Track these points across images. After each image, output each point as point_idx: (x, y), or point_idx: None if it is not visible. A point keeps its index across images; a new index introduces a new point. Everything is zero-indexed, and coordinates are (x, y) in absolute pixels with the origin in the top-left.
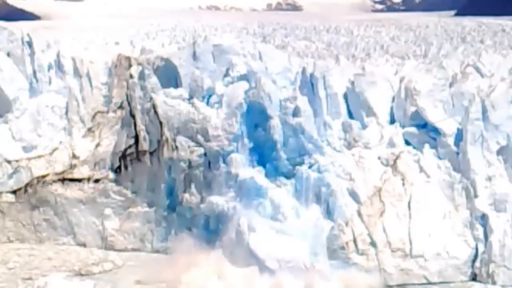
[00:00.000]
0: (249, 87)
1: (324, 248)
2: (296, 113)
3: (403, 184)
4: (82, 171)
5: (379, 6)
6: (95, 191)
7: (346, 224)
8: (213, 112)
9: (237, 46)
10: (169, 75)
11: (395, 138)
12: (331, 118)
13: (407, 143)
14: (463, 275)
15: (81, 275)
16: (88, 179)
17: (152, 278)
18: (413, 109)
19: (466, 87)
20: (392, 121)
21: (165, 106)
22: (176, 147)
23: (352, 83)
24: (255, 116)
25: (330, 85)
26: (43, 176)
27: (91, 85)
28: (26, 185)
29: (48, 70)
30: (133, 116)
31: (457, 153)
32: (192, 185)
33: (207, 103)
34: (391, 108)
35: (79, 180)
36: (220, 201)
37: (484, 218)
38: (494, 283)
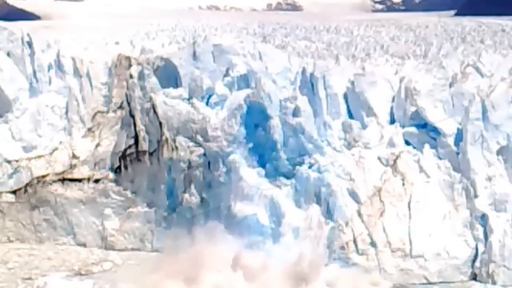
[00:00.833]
0: (249, 91)
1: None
2: (296, 113)
3: (403, 184)
4: (82, 171)
5: (379, 6)
6: (95, 191)
7: (346, 224)
8: (213, 112)
9: (237, 46)
10: (169, 75)
11: (395, 138)
12: (331, 118)
13: (407, 143)
14: (463, 275)
15: (81, 274)
16: (88, 179)
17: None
18: (413, 109)
19: (466, 87)
20: (392, 121)
21: (164, 106)
22: (176, 147)
23: (352, 83)
24: (255, 116)
25: (330, 85)
26: (43, 176)
27: (91, 85)
28: (26, 185)
29: (48, 70)
30: (132, 116)
31: (457, 153)
32: (192, 185)
33: (207, 103)
34: (391, 108)
35: (79, 180)
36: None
37: (484, 218)
38: (494, 283)
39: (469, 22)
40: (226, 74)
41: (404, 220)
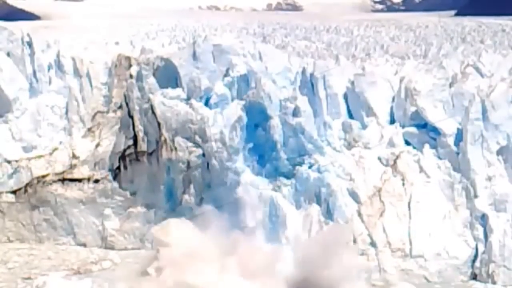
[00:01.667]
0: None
1: None
2: (296, 113)
3: (403, 184)
4: (82, 171)
5: (379, 6)
6: (95, 191)
7: (346, 224)
8: (211, 113)
9: (237, 46)
10: (169, 75)
11: (395, 138)
12: (331, 118)
13: (407, 143)
14: (463, 275)
15: (80, 273)
16: (88, 179)
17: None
18: (413, 109)
19: (466, 87)
20: (392, 121)
21: (163, 106)
22: (175, 147)
23: (352, 83)
24: (255, 116)
25: (330, 85)
26: (43, 176)
27: (91, 85)
28: (26, 185)
29: (48, 70)
30: (131, 117)
31: (457, 153)
32: (191, 186)
33: (206, 103)
34: (391, 108)
35: (79, 180)
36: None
37: (484, 218)
38: (494, 283)
39: (469, 22)
40: (226, 74)
41: (404, 220)
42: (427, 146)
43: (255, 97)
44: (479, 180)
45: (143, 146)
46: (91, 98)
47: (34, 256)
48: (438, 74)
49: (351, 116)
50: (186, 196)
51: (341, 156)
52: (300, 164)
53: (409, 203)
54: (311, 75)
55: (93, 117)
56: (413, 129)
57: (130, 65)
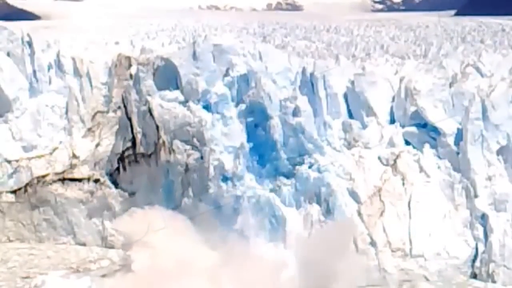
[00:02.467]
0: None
1: None
2: (296, 113)
3: (403, 184)
4: (82, 171)
5: (379, 6)
6: (94, 195)
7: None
8: (209, 116)
9: (237, 46)
10: (169, 75)
11: (395, 138)
12: (331, 118)
13: (407, 143)
14: (463, 275)
15: (79, 272)
16: (88, 179)
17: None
18: (413, 109)
19: (466, 87)
20: (392, 121)
21: (160, 109)
22: (173, 150)
23: (352, 83)
24: (255, 116)
25: (330, 85)
26: (43, 176)
27: (91, 85)
28: (26, 185)
29: (48, 70)
30: (129, 119)
31: (457, 153)
32: (190, 189)
33: (203, 105)
34: (391, 108)
35: (79, 180)
36: None
37: (484, 218)
38: (494, 282)
39: (469, 22)
40: (226, 74)
41: (404, 220)
42: (427, 146)
43: (255, 97)
44: (479, 180)
45: (141, 148)
46: (91, 98)
47: (34, 255)
48: (438, 74)
49: (351, 116)
50: (185, 199)
51: (341, 156)
52: (300, 164)
53: (409, 203)
54: (311, 75)
55: (93, 117)
56: (413, 129)
57: (130, 65)
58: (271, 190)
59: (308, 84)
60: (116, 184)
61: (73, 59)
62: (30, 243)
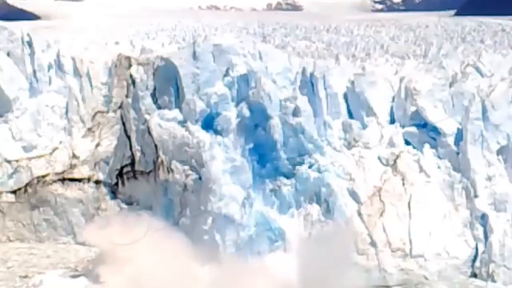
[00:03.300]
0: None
1: None
2: (296, 113)
3: (403, 184)
4: (82, 171)
5: (379, 6)
6: (95, 191)
7: (346, 223)
8: (208, 137)
9: (237, 46)
10: (169, 75)
11: (395, 138)
12: (331, 118)
13: (407, 143)
14: (463, 275)
15: (77, 271)
16: (88, 179)
17: None
18: (413, 109)
19: (466, 87)
20: (392, 121)
21: (159, 129)
22: (172, 170)
23: (352, 83)
24: (255, 116)
25: (330, 85)
26: (43, 176)
27: (91, 85)
28: (26, 185)
29: (48, 70)
30: (128, 137)
31: (457, 153)
32: (187, 209)
33: (202, 126)
34: (391, 108)
35: (79, 180)
36: None
37: (484, 218)
38: (494, 282)
39: (469, 22)
40: (226, 74)
41: (404, 220)
42: (427, 146)
43: (255, 97)
44: (479, 180)
45: (140, 166)
46: (91, 98)
47: (34, 255)
48: (438, 74)
49: (351, 116)
50: (183, 219)
51: (341, 156)
52: (300, 164)
53: (409, 203)
54: (311, 75)
55: (93, 117)
56: (413, 129)
57: (130, 65)
58: (271, 190)
59: (308, 84)
60: (115, 197)
61: (73, 59)
62: (30, 243)
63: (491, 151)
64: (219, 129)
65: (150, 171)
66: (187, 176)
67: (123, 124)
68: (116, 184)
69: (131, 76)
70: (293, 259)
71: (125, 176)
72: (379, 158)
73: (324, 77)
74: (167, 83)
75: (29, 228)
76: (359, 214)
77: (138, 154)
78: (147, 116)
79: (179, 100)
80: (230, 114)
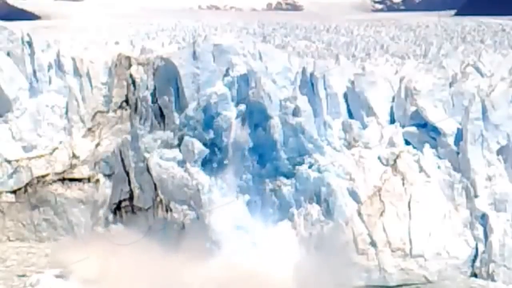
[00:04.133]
0: None
1: None
2: (296, 113)
3: (403, 184)
4: (82, 171)
5: (379, 6)
6: (95, 191)
7: (346, 223)
8: (207, 180)
9: (237, 46)
10: (169, 75)
11: (395, 138)
12: (331, 118)
13: (407, 143)
14: (463, 275)
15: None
16: (88, 179)
17: None
18: (413, 109)
19: (466, 86)
20: (392, 121)
21: (158, 168)
22: (170, 209)
23: (352, 83)
24: (255, 116)
25: (330, 85)
26: (43, 176)
27: (91, 85)
28: (26, 185)
29: (48, 70)
30: (127, 173)
31: (457, 153)
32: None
33: (201, 165)
34: (391, 108)
35: (79, 180)
36: None
37: (484, 218)
38: (493, 281)
39: (469, 22)
40: (226, 74)
41: (404, 220)
42: (427, 146)
43: (255, 97)
44: (479, 180)
45: (139, 202)
46: (91, 98)
47: (33, 254)
48: (438, 74)
49: (351, 116)
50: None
51: (341, 156)
52: (300, 163)
53: (409, 203)
54: (311, 75)
55: (93, 117)
56: (413, 129)
57: (130, 65)
58: (271, 190)
59: (308, 84)
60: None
61: (73, 59)
62: (30, 243)
63: (491, 151)
64: (215, 168)
65: (149, 208)
66: (185, 215)
67: (122, 160)
68: (114, 217)
69: (131, 76)
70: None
71: (123, 210)
72: (379, 158)
73: (324, 77)
74: (167, 83)
75: (29, 228)
76: (359, 214)
77: (137, 191)
78: (146, 155)
79: (179, 100)
80: (230, 114)
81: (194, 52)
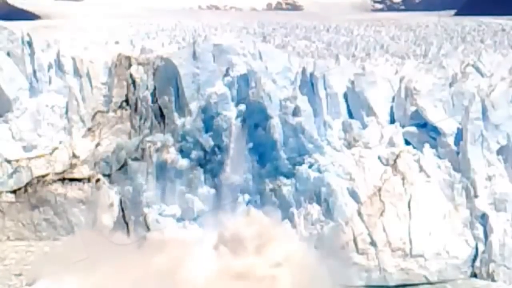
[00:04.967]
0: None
1: None
2: (296, 113)
3: (403, 184)
4: (82, 171)
5: (379, 6)
6: (95, 191)
7: (346, 223)
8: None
9: (237, 45)
10: (169, 75)
11: (395, 137)
12: (331, 118)
13: (407, 142)
14: (463, 275)
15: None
16: (88, 179)
17: None
18: (413, 108)
19: (466, 86)
20: (392, 121)
21: (156, 224)
22: None
23: (352, 82)
24: (255, 116)
25: (330, 85)
26: (43, 176)
27: (91, 85)
28: (26, 184)
29: (48, 69)
30: (126, 223)
31: (457, 153)
32: None
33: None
34: (391, 108)
35: (79, 180)
36: None
37: (484, 217)
38: (494, 281)
39: (469, 22)
40: (226, 74)
41: (404, 219)
42: (427, 145)
43: (255, 97)
44: (479, 180)
45: None
46: (91, 98)
47: (31, 252)
48: (438, 74)
49: (351, 115)
50: None
51: (341, 156)
52: (300, 163)
53: (409, 203)
54: (311, 74)
55: (93, 117)
56: (413, 129)
57: (130, 65)
58: (271, 190)
59: (308, 84)
60: None
61: (73, 59)
62: (29, 241)
63: (491, 151)
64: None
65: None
66: None
67: (122, 210)
68: None
69: (131, 76)
70: None
71: None
72: (379, 158)
73: (324, 77)
74: (167, 83)
75: (29, 228)
76: (359, 214)
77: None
78: (146, 210)
79: (179, 100)
80: (230, 114)
81: (194, 52)
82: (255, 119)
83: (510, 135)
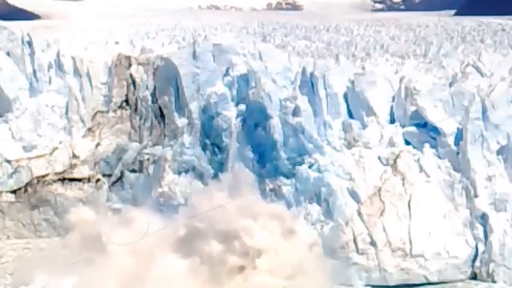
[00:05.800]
0: None
1: None
2: (296, 112)
3: (403, 184)
4: (82, 171)
5: (379, 6)
6: (95, 191)
7: (346, 223)
8: None
9: (237, 45)
10: (169, 75)
11: (395, 137)
12: (331, 118)
13: (407, 142)
14: (463, 275)
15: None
16: (88, 179)
17: None
18: (413, 108)
19: (466, 86)
20: (392, 121)
21: None
22: None
23: (352, 82)
24: (255, 116)
25: (330, 84)
26: (43, 176)
27: (91, 85)
28: (26, 184)
29: (48, 69)
30: None
31: (457, 153)
32: None
33: None
34: (391, 108)
35: (79, 180)
36: None
37: (484, 217)
38: (494, 282)
39: (469, 21)
40: (226, 73)
41: (404, 219)
42: (427, 145)
43: (255, 97)
44: (479, 180)
45: None
46: (91, 98)
47: (28, 249)
48: (438, 74)
49: (351, 115)
50: None
51: (341, 156)
52: (300, 163)
53: (409, 203)
54: (311, 74)
55: (93, 117)
56: (413, 129)
57: (130, 65)
58: (271, 190)
59: (308, 84)
60: None
61: (73, 59)
62: (27, 240)
63: (491, 151)
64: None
65: None
66: None
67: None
68: None
69: (131, 76)
70: None
71: None
72: (379, 158)
73: (324, 77)
74: (167, 83)
75: (29, 228)
76: (359, 214)
77: None
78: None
79: (179, 100)
80: (230, 114)
81: (194, 52)
82: (255, 119)
83: (510, 135)
